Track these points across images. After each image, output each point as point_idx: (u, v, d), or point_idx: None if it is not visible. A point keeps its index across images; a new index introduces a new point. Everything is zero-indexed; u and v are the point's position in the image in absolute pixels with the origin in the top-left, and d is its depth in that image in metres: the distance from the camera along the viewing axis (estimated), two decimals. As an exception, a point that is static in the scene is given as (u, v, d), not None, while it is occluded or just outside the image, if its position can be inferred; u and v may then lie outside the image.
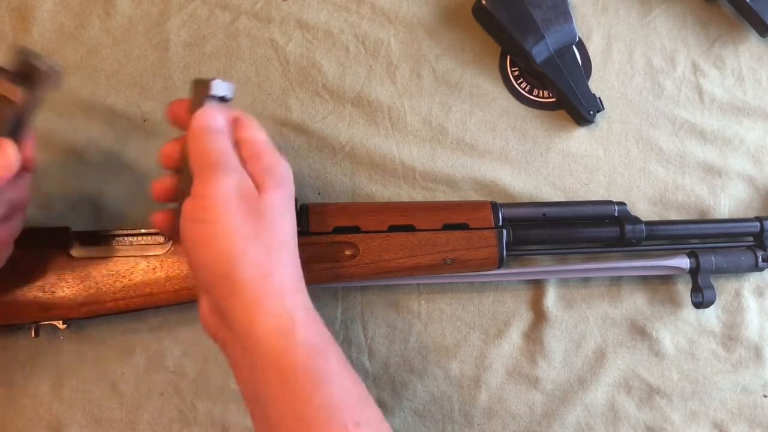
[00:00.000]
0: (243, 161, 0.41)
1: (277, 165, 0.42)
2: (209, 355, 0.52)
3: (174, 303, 0.48)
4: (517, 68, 0.60)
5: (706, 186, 0.61)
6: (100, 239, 0.48)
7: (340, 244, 0.49)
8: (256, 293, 0.38)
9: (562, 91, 0.58)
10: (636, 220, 0.55)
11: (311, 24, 0.57)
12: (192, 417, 0.52)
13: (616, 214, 0.55)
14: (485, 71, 0.60)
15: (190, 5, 0.56)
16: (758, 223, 0.58)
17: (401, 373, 0.55)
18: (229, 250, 0.38)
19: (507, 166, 0.59)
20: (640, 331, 0.58)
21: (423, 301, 0.56)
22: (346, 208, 0.50)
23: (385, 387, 0.54)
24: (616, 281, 0.58)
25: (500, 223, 0.52)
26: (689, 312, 0.59)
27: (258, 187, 0.40)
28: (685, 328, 0.59)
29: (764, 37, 0.64)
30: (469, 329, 0.56)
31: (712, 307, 0.57)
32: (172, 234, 0.43)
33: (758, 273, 0.60)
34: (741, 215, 0.61)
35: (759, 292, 0.60)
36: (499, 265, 0.51)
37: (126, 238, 0.49)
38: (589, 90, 0.59)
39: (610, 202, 0.56)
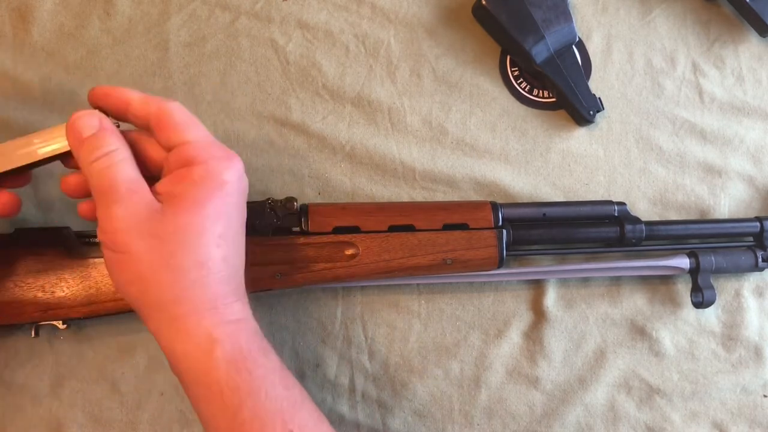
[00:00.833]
0: (169, 171, 0.40)
1: (211, 174, 0.39)
2: (209, 355, 0.52)
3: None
4: (517, 68, 0.60)
5: (706, 186, 0.61)
6: (100, 239, 0.48)
7: (340, 244, 0.49)
8: (169, 317, 0.38)
9: (562, 91, 0.58)
10: (636, 220, 0.55)
11: (311, 24, 0.57)
12: (192, 417, 0.52)
13: (616, 214, 0.55)
14: (485, 71, 0.60)
15: (190, 5, 0.56)
16: (758, 223, 0.58)
17: (401, 373, 0.55)
18: (137, 278, 0.38)
19: (507, 166, 0.58)
20: (640, 331, 0.58)
21: (423, 301, 0.56)
22: (345, 208, 0.50)
23: (385, 387, 0.54)
24: (616, 281, 0.58)
25: (500, 223, 0.52)
26: (689, 312, 0.59)
27: (175, 204, 0.38)
28: (685, 328, 0.59)
29: (764, 37, 0.64)
30: (469, 329, 0.56)
31: (712, 307, 0.57)
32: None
33: (758, 273, 0.60)
34: (741, 215, 0.61)
35: (759, 292, 0.60)
36: (499, 265, 0.51)
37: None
38: (589, 90, 0.59)
39: (610, 202, 0.56)
